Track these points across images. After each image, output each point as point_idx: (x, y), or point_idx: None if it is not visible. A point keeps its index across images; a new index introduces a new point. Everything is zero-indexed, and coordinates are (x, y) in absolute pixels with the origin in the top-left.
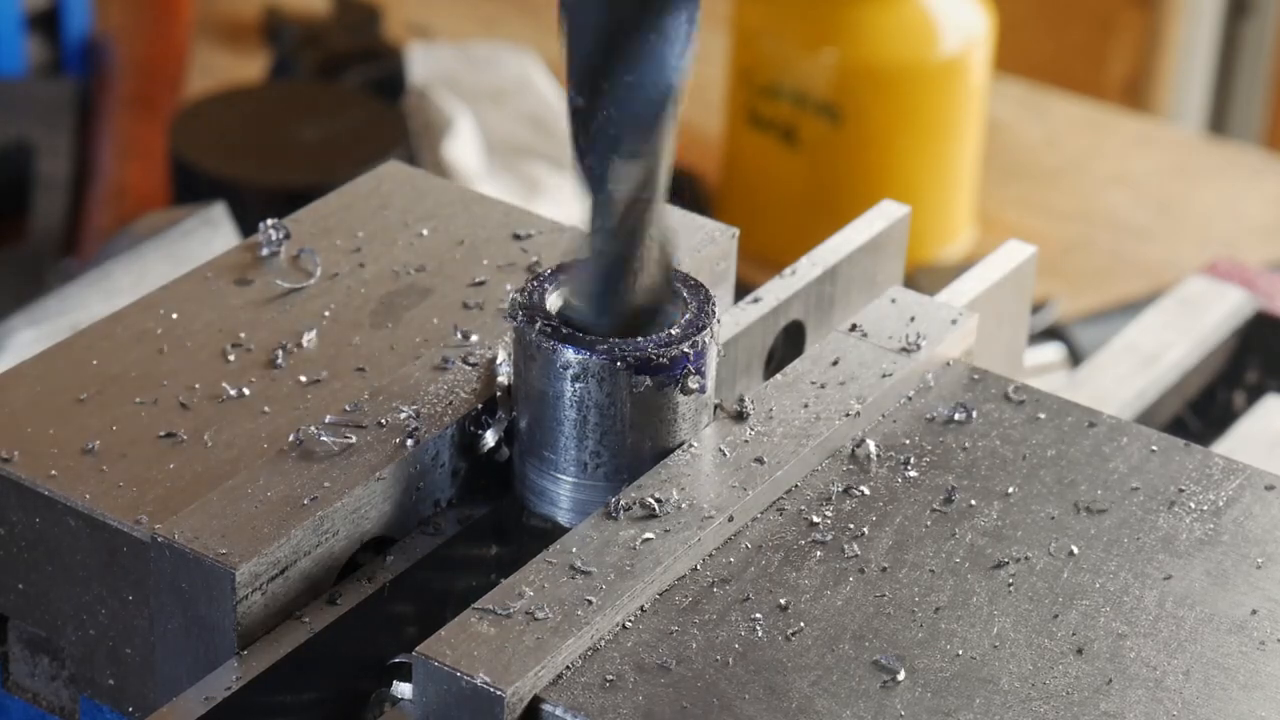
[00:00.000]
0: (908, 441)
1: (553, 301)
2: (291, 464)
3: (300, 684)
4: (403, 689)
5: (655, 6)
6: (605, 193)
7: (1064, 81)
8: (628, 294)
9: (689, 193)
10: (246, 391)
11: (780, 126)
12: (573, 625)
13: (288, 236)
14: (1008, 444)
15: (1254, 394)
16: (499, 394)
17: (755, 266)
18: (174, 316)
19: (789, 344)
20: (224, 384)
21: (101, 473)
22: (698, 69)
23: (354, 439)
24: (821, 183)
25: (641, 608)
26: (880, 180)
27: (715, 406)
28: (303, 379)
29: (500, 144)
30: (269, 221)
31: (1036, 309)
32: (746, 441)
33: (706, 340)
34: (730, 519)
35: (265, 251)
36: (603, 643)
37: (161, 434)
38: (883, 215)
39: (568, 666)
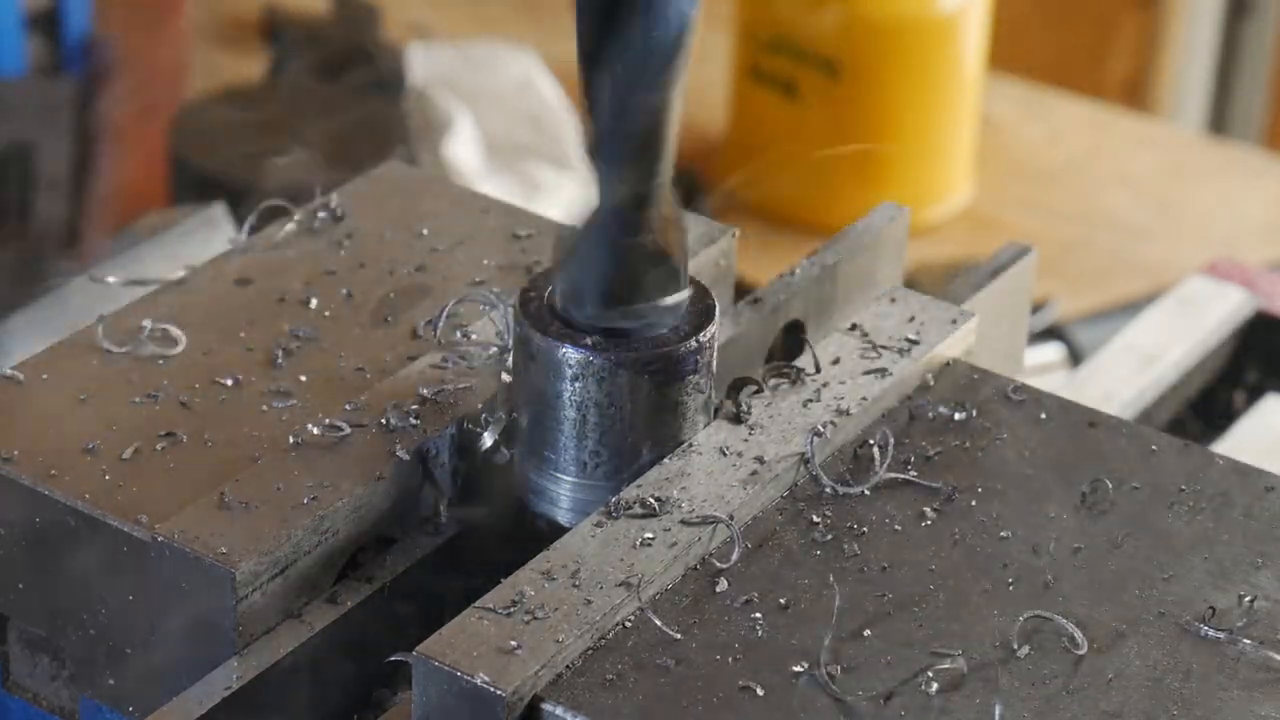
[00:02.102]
0: (907, 441)
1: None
2: (291, 463)
3: (300, 684)
4: None
5: None
6: (615, 146)
7: (1064, 81)
8: (636, 255)
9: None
10: (246, 391)
11: (781, 81)
12: (573, 625)
13: (340, 219)
14: (1008, 444)
15: (1254, 394)
16: (499, 393)
17: (757, 218)
18: (174, 316)
19: (789, 344)
20: (224, 383)
21: (101, 473)
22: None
23: (354, 438)
24: (820, 136)
25: (640, 608)
26: (878, 135)
27: (715, 407)
28: (303, 379)
29: (500, 144)
30: (326, 199)
31: (1036, 309)
32: (746, 441)
33: (707, 340)
34: (730, 519)
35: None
36: (603, 643)
37: (161, 434)
38: (883, 215)
39: (568, 666)
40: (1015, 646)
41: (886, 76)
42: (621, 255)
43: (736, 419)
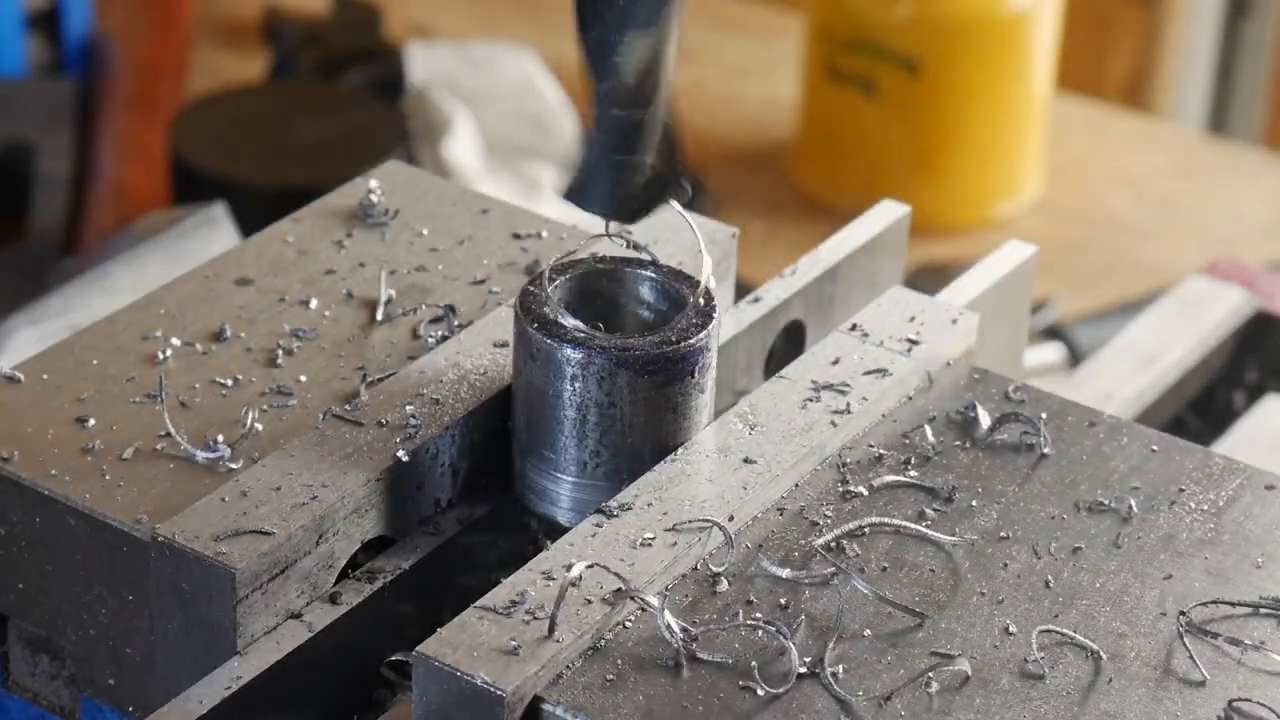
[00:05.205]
0: (908, 441)
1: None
2: (291, 463)
3: (300, 684)
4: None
5: None
6: (612, 64)
7: (1064, 81)
8: (634, 171)
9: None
10: (246, 391)
11: (860, 79)
12: (573, 625)
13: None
14: (1008, 444)
15: (1254, 394)
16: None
17: (835, 219)
18: (174, 316)
19: (789, 344)
20: (224, 383)
21: (101, 473)
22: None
23: (354, 438)
24: (901, 134)
25: (641, 608)
26: (958, 131)
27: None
28: (303, 378)
29: (500, 144)
30: (371, 185)
31: (1036, 309)
32: (746, 441)
33: (707, 340)
34: (730, 519)
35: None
36: (603, 643)
37: (161, 433)
38: (883, 215)
39: (568, 666)
40: (1015, 646)
41: (966, 73)
42: (623, 141)
43: (737, 419)
